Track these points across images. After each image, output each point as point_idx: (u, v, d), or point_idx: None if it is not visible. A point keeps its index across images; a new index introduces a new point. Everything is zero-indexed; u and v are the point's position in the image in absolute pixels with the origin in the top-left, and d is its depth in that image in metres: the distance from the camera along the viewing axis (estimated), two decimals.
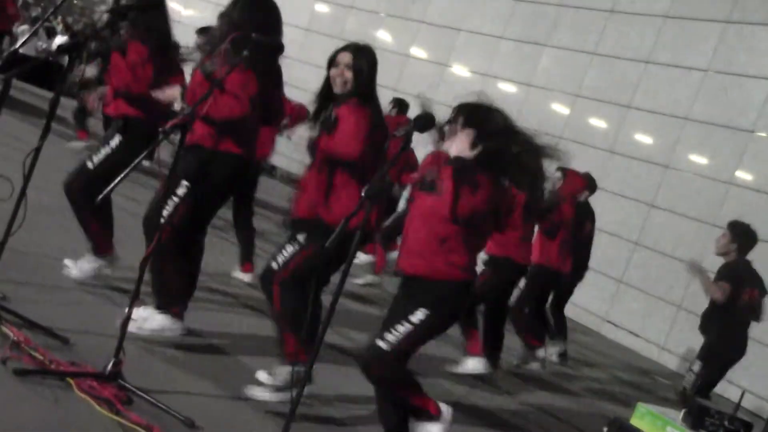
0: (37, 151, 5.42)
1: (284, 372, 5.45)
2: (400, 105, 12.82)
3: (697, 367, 8.82)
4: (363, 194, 4.41)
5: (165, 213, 5.69)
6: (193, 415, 4.71)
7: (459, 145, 5.04)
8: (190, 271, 6.19)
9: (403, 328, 4.94)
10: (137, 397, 4.67)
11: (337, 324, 7.91)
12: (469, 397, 7.51)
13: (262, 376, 5.73)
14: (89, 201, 6.21)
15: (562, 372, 10.04)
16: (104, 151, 6.47)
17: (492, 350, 8.47)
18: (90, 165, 6.44)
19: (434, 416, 5.10)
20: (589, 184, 10.45)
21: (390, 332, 4.93)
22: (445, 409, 5.15)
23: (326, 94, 5.62)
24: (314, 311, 5.50)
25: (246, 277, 8.56)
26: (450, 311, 5.12)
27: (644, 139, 15.28)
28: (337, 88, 5.54)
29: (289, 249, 5.57)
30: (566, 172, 9.58)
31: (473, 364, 8.30)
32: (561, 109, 16.68)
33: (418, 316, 4.96)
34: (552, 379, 9.35)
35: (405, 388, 5.07)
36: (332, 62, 5.57)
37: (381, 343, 4.93)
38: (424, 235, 5.03)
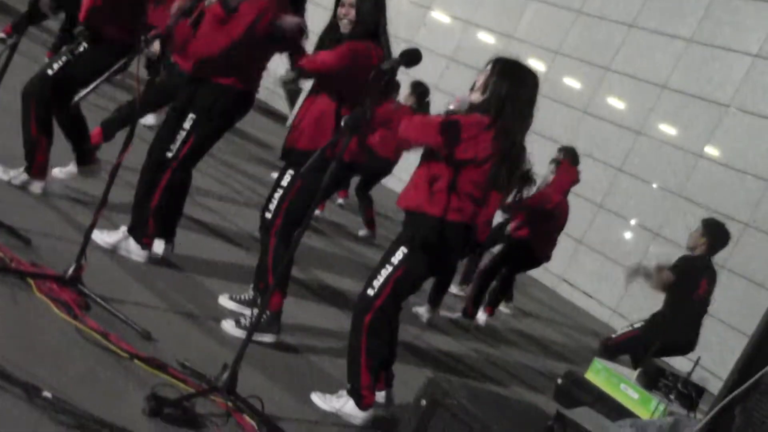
0: (13, 48, 5.33)
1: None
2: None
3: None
4: (342, 123, 4.40)
5: (173, 147, 5.73)
6: (150, 328, 4.69)
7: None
8: (177, 202, 6.23)
9: (386, 272, 4.99)
10: (96, 304, 4.64)
11: (304, 261, 7.94)
12: (421, 340, 7.55)
13: (223, 300, 5.87)
14: (42, 109, 6.15)
15: (515, 327, 10.10)
16: (65, 58, 6.29)
17: (437, 295, 8.51)
18: (49, 71, 6.28)
19: (361, 404, 5.06)
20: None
21: (375, 284, 4.99)
22: (367, 414, 5.13)
23: (332, 35, 5.60)
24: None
25: None
26: (431, 247, 5.03)
27: (619, 103, 15.29)
28: (343, 28, 5.54)
29: (276, 195, 5.61)
30: (560, 163, 9.66)
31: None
32: (539, 65, 16.62)
33: (398, 256, 5.00)
34: (504, 333, 9.41)
35: (367, 363, 5.02)
36: (338, 1, 5.56)
37: (368, 291, 5.00)
38: (421, 172, 5.06)
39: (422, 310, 8.45)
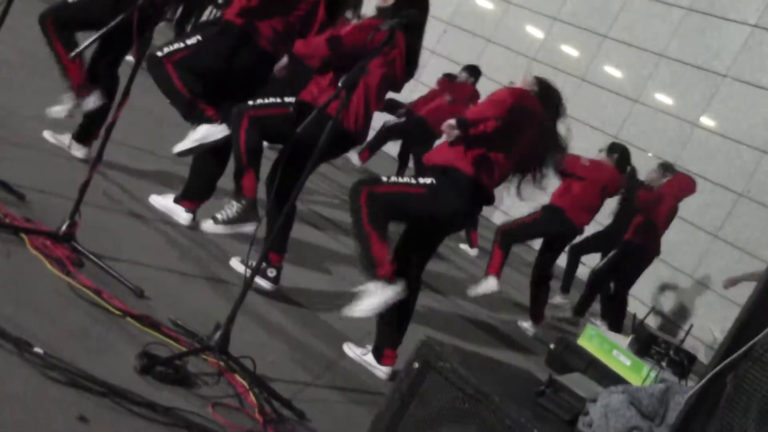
0: (10, 1, 5.28)
1: (231, 206, 5.57)
2: (473, 72, 12.87)
3: None
4: (340, 83, 4.40)
5: (165, 49, 5.77)
6: (143, 286, 4.69)
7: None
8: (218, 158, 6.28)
9: (404, 180, 5.26)
10: (89, 261, 4.63)
11: (303, 224, 7.94)
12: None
13: (234, 263, 5.89)
14: (59, 31, 6.10)
15: (510, 292, 10.11)
16: None
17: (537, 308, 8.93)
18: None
19: (381, 277, 5.15)
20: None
21: (391, 179, 5.26)
22: (395, 285, 5.22)
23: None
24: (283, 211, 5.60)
25: None
26: (455, 193, 5.28)
27: (617, 71, 15.25)
28: (378, 1, 5.60)
29: (267, 100, 5.68)
30: (676, 174, 10.36)
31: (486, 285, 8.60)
32: (537, 31, 16.58)
33: (424, 180, 5.26)
34: (498, 298, 9.41)
35: (373, 233, 5.17)
36: None
37: (382, 177, 5.29)
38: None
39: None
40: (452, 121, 5.30)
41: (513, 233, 8.88)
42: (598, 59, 15.46)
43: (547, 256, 9.08)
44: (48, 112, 6.20)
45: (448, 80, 13.03)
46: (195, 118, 5.90)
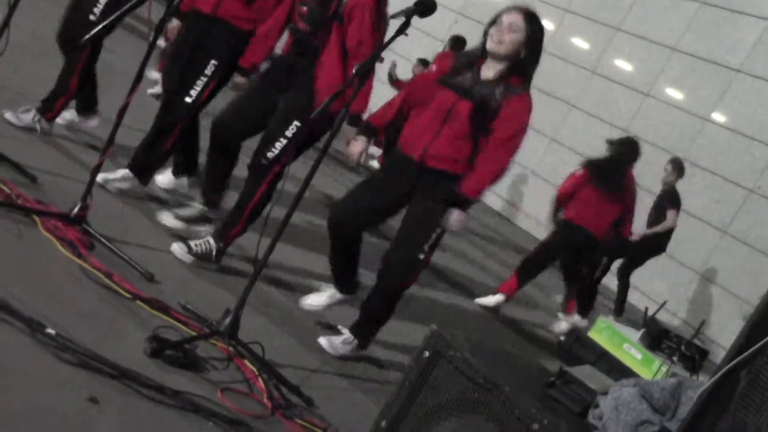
0: None
1: (207, 243, 5.43)
2: (457, 42, 12.65)
3: None
4: (354, 71, 4.38)
5: (193, 92, 5.69)
6: (154, 270, 4.69)
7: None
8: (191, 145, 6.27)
9: (431, 240, 5.02)
10: (100, 244, 4.63)
11: (310, 210, 7.92)
12: (424, 294, 7.55)
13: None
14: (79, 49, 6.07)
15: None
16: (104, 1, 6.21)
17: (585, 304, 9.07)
18: (92, 17, 6.20)
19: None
20: (675, 166, 10.63)
21: (421, 253, 5.02)
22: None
23: None
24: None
25: None
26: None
27: (628, 64, 15.19)
28: None
29: (278, 145, 5.45)
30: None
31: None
32: (548, 23, 16.50)
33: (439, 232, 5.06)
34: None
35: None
36: None
37: (420, 255, 5.02)
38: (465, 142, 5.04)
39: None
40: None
41: (535, 261, 8.90)
42: (610, 52, 15.41)
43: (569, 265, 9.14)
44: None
45: None
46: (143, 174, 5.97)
